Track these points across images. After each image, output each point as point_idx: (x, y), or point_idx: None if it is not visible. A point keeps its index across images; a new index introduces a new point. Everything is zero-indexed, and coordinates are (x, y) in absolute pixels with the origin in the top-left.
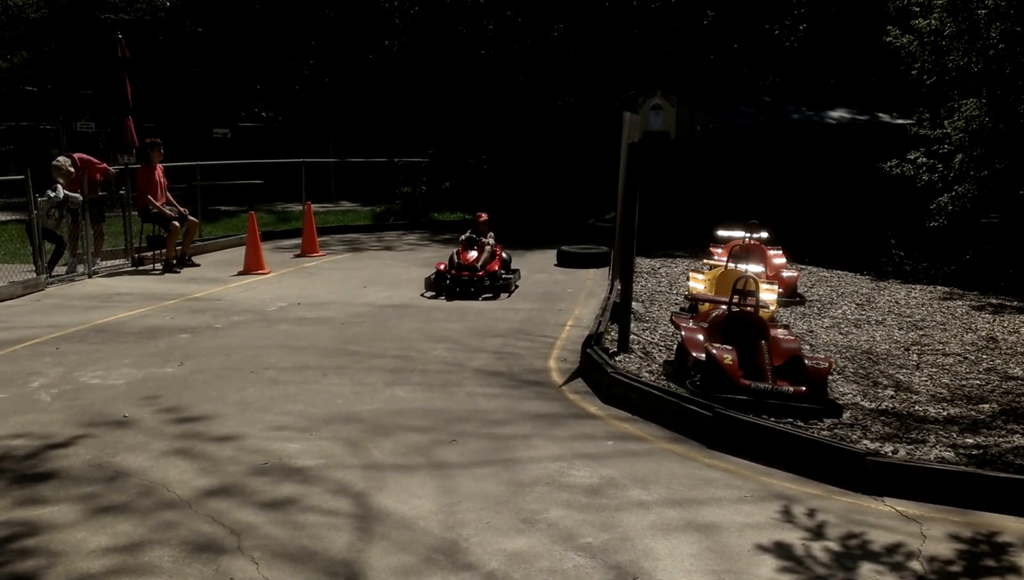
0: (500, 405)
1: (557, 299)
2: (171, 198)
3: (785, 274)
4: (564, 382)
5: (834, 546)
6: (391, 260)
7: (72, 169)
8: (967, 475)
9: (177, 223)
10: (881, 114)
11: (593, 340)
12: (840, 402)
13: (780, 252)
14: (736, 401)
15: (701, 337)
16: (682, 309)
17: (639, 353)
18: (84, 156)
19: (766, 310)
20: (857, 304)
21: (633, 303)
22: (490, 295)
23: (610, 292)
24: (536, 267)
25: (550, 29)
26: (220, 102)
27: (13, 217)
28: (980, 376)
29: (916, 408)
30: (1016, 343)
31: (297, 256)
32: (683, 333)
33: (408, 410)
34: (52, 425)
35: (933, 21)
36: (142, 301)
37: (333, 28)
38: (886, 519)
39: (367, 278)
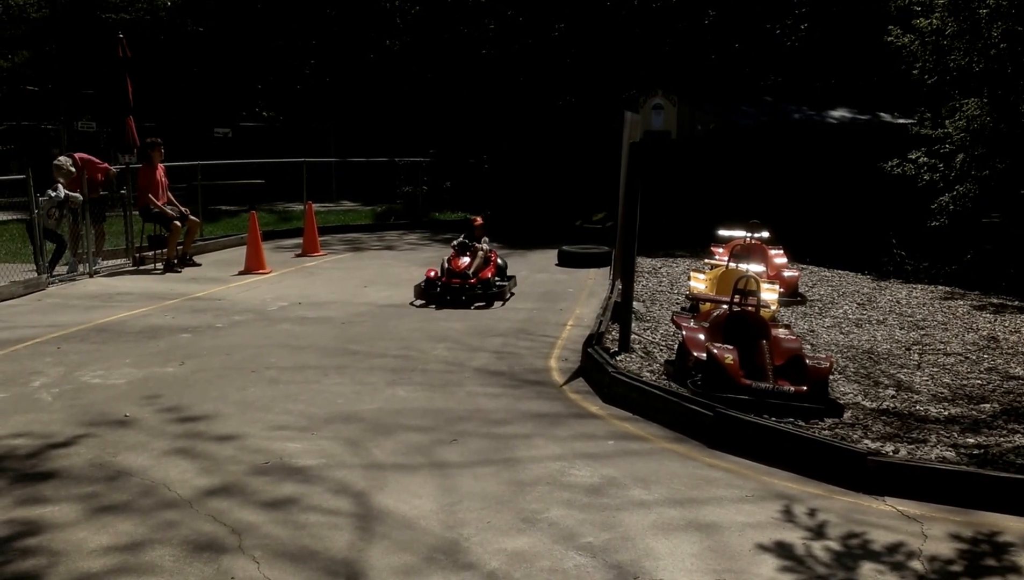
0: (501, 405)
1: (558, 299)
2: (172, 198)
3: (786, 274)
4: (565, 382)
5: (835, 546)
6: (392, 260)
7: (73, 169)
8: (968, 475)
9: (178, 223)
10: (882, 114)
11: (594, 340)
12: (841, 402)
13: (781, 252)
14: (737, 401)
15: (702, 337)
16: (683, 309)
17: (640, 353)
18: (85, 156)
19: (767, 310)
20: (858, 304)
21: (634, 303)
22: (483, 304)
23: (611, 292)
24: (537, 267)
25: (551, 29)
26: (221, 102)
27: (14, 217)
28: (981, 376)
29: (917, 408)
30: (1017, 343)
31: (298, 256)
32: (684, 333)
33: (409, 410)
34: (53, 424)
35: (934, 21)
36: (143, 301)
37: (334, 28)
38: (887, 519)
39: (368, 278)
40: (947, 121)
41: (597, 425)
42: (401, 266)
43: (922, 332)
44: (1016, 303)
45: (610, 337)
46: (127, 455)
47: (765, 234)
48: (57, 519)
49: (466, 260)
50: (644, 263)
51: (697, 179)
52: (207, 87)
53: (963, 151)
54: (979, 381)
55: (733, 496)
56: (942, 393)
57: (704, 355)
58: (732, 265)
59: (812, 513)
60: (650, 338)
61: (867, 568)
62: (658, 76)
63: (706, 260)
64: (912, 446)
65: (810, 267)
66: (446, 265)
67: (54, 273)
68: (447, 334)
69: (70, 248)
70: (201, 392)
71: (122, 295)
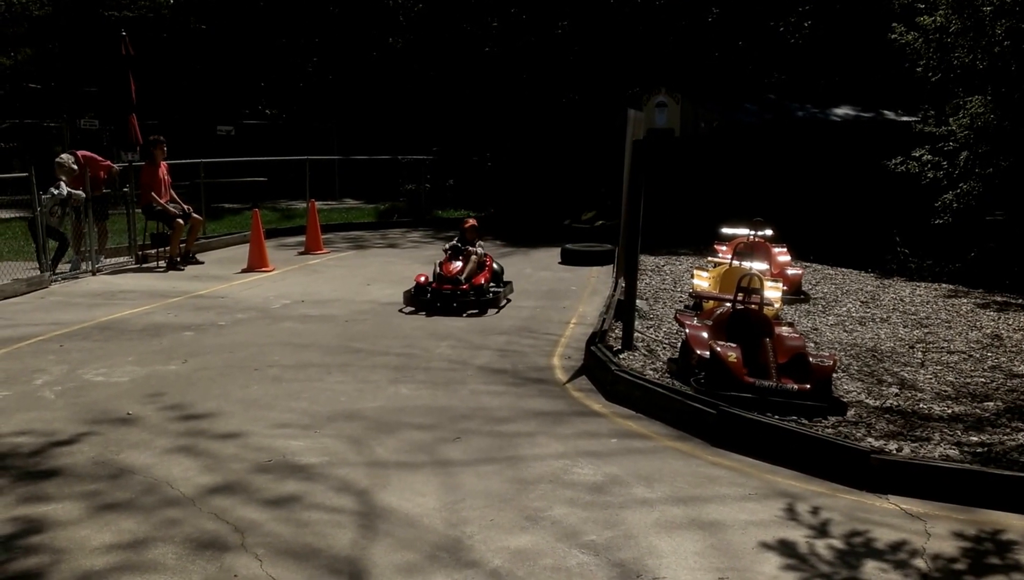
0: (504, 402)
1: (561, 297)
2: (175, 195)
3: (790, 272)
4: (568, 380)
5: (838, 544)
6: (395, 257)
7: (75, 166)
8: (972, 473)
9: (181, 220)
10: (886, 111)
11: (597, 338)
12: (844, 400)
13: (785, 249)
14: (740, 399)
15: (705, 335)
16: (686, 307)
17: (643, 351)
18: (87, 153)
19: (770, 308)
20: (862, 302)
21: (637, 301)
22: (475, 311)
23: (614, 290)
24: (540, 265)
25: (554, 26)
26: (224, 99)
27: (17, 214)
28: (985, 374)
29: (921, 406)
30: (1021, 341)
31: (301, 253)
32: (687, 331)
33: (411, 407)
34: (56, 422)
35: (938, 18)
36: (146, 298)
37: (337, 25)
38: (890, 517)
39: (371, 275)
40: (951, 119)
41: (600, 423)
42: (404, 264)
43: (926, 330)
44: (1020, 301)
45: (613, 335)
46: (130, 453)
47: (769, 232)
48: (60, 517)
49: (458, 264)
50: (647, 261)
51: (700, 177)
52: (210, 85)
53: (967, 149)
54: (983, 379)
55: (736, 494)
56: (946, 391)
57: (707, 353)
58: (735, 263)
59: (815, 511)
60: (653, 336)
61: (870, 566)
62: (661, 74)
63: (709, 258)
64: (915, 444)
65: (814, 265)
66: (437, 270)
67: (57, 271)
68: (450, 332)
69: (73, 246)
70: (204, 390)
71: (125, 293)
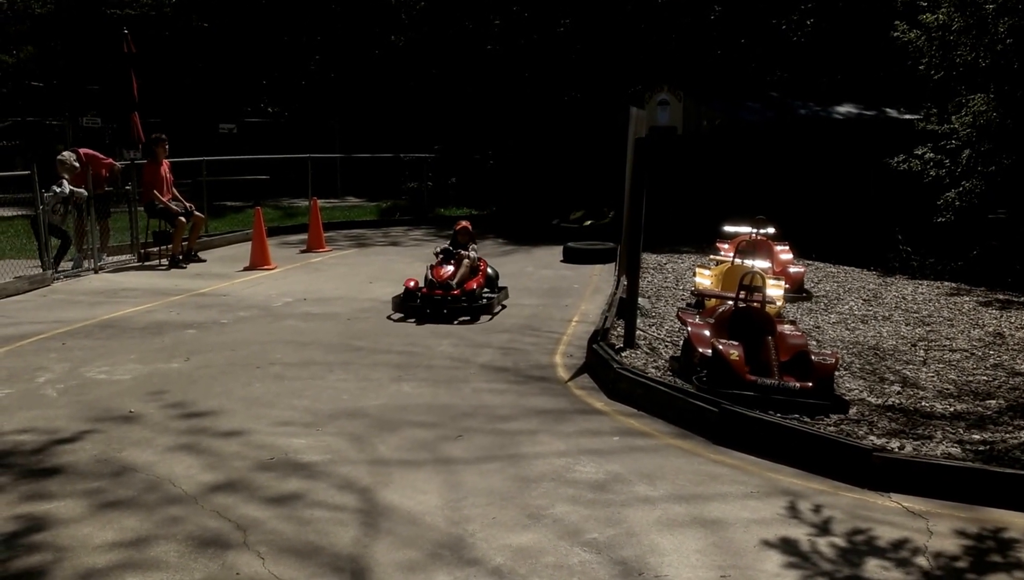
0: (506, 401)
1: (563, 295)
2: (177, 194)
3: (792, 270)
4: (570, 378)
5: (840, 542)
6: (397, 256)
7: (77, 164)
8: (974, 471)
9: (183, 218)
10: (888, 109)
11: (599, 336)
12: (847, 398)
13: (787, 248)
14: (742, 397)
15: (707, 333)
16: (688, 305)
17: (645, 349)
18: (89, 151)
19: (773, 306)
20: (864, 300)
21: (639, 299)
22: (467, 318)
23: (616, 288)
24: (542, 263)
25: (556, 24)
26: (226, 97)
27: (19, 212)
28: (987, 372)
29: (923, 404)
30: (1023, 339)
31: (303, 252)
32: (689, 329)
33: (414, 406)
34: (58, 420)
35: (941, 16)
36: (148, 297)
37: (339, 23)
38: (892, 515)
39: (373, 274)
40: (953, 117)
41: (602, 421)
42: (406, 262)
43: (928, 328)
44: (1022, 299)
45: (615, 333)
46: (132, 451)
47: (771, 230)
48: (62, 515)
49: (449, 269)
50: (650, 259)
51: (703, 175)
52: (212, 83)
53: (969, 147)
54: (985, 377)
55: (738, 492)
56: (948, 389)
57: (709, 351)
58: (738, 261)
59: (817, 509)
60: (655, 334)
61: (872, 564)
62: (664, 72)
63: (712, 256)
64: (918, 442)
65: (816, 263)
66: (428, 274)
67: (59, 269)
68: (452, 330)
69: (75, 244)
70: (206, 388)
71: (127, 291)
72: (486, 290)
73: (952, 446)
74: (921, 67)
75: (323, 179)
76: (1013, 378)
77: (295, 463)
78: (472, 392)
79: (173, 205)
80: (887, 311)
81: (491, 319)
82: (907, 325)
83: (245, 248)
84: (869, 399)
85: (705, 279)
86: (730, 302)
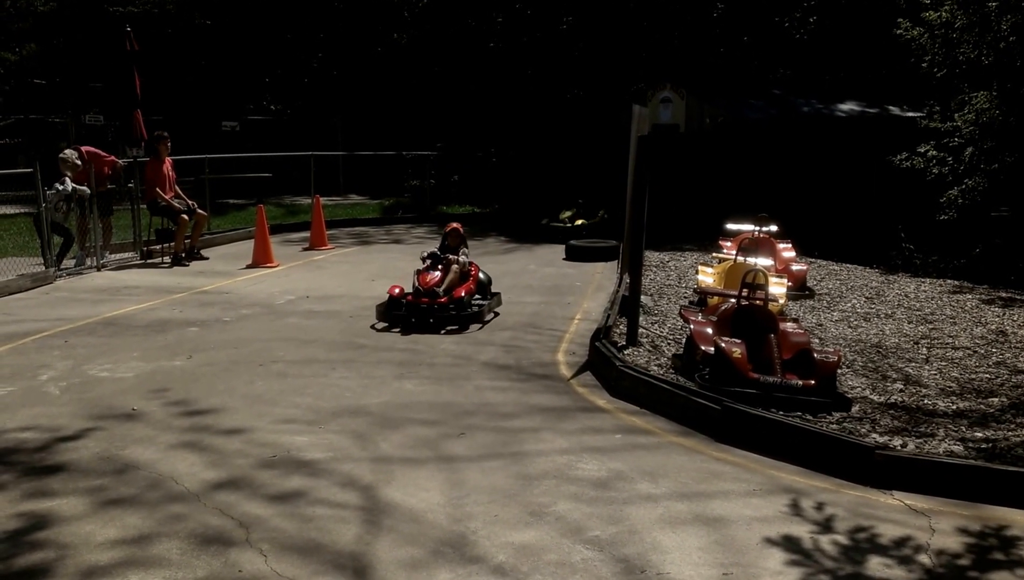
0: (508, 398)
1: (566, 293)
2: (179, 191)
3: (794, 267)
4: (572, 375)
5: (842, 539)
6: (399, 253)
7: (79, 162)
8: (976, 469)
9: (186, 216)
10: (891, 107)
11: (602, 333)
12: (849, 396)
13: (789, 245)
14: (745, 394)
15: (710, 330)
16: (691, 302)
17: (648, 346)
18: (91, 149)
19: (775, 304)
20: (866, 297)
21: (642, 297)
22: (455, 328)
23: (619, 285)
24: (544, 261)
25: (559, 22)
26: (229, 95)
27: (22, 210)
28: (989, 370)
29: (925, 402)
30: None
31: (306, 249)
32: (692, 326)
33: (416, 403)
34: (61, 418)
35: (944, 14)
36: (151, 294)
37: (341, 21)
38: (895, 513)
39: (375, 271)
40: (956, 114)
41: (604, 419)
42: (408, 260)
43: (930, 326)
44: None
45: (618, 331)
46: (135, 448)
47: (773, 228)
48: (65, 512)
49: (437, 274)
50: (652, 257)
51: (705, 173)
52: (214, 80)
53: (972, 144)
54: (987, 375)
55: (740, 490)
56: (950, 387)
57: (712, 349)
58: (740, 259)
59: (820, 507)
60: (658, 332)
61: (875, 562)
62: (666, 69)
63: (714, 254)
64: (920, 440)
65: (818, 261)
66: (415, 281)
67: (61, 267)
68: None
69: (78, 242)
70: (208, 386)
71: (130, 289)
72: (477, 297)
73: (954, 444)
74: (924, 65)
75: (326, 177)
76: (1015, 376)
77: (297, 461)
78: (474, 390)
79: (176, 203)
80: (890, 309)
81: (481, 328)
82: (909, 323)
83: (248, 246)
84: (871, 397)
85: (708, 277)
86: (733, 300)
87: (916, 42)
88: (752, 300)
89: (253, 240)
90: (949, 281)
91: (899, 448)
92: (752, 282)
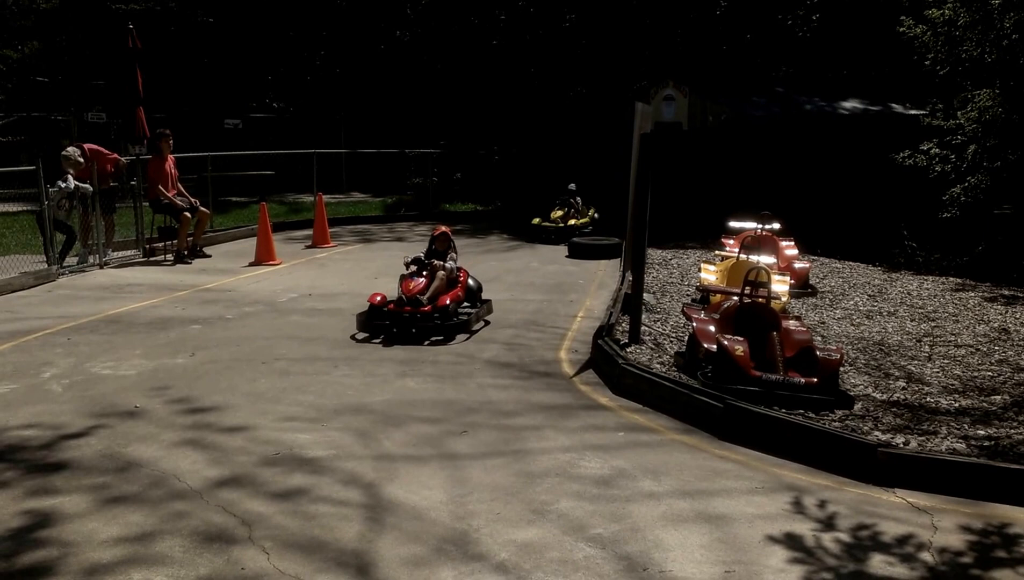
0: (511, 396)
1: (568, 290)
2: (182, 189)
3: (797, 265)
4: (575, 373)
5: (845, 537)
6: (402, 251)
7: (81, 159)
8: (978, 467)
9: (188, 214)
10: (894, 105)
11: (604, 331)
12: (851, 393)
13: (792, 243)
14: (747, 392)
15: (712, 328)
16: (694, 300)
17: (650, 344)
18: (93, 146)
19: (778, 301)
20: (869, 295)
21: (644, 294)
22: (440, 338)
23: (621, 283)
24: (547, 258)
25: (562, 19)
26: (231, 93)
27: (24, 208)
28: (992, 367)
29: (928, 400)
30: None
31: (308, 247)
32: (694, 324)
33: (418, 401)
34: (63, 415)
35: (947, 11)
36: (153, 292)
37: (344, 18)
38: (897, 510)
39: (378, 269)
40: (959, 112)
41: (607, 417)
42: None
43: (933, 324)
44: None
45: (620, 329)
46: (137, 446)
47: (776, 225)
48: (68, 510)
49: (421, 281)
50: (655, 254)
51: (708, 170)
52: (217, 78)
53: (975, 142)
54: (990, 373)
55: (743, 488)
56: (953, 385)
57: (714, 347)
58: (743, 256)
59: (822, 505)
60: (660, 330)
61: (877, 560)
62: (669, 67)
63: (717, 251)
64: (922, 438)
65: (821, 258)
66: (398, 289)
67: (64, 264)
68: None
69: (80, 239)
70: (211, 383)
71: (132, 286)
72: (466, 305)
73: (957, 442)
74: (927, 62)
75: (328, 175)
76: (1018, 374)
77: (300, 458)
78: (477, 388)
79: (178, 200)
80: (892, 307)
81: (468, 338)
82: (912, 321)
83: (250, 244)
84: (874, 395)
85: (710, 274)
86: (735, 298)
87: (919, 40)
88: (755, 298)
89: (255, 238)
90: (952, 279)
91: (901, 446)
92: (755, 280)
